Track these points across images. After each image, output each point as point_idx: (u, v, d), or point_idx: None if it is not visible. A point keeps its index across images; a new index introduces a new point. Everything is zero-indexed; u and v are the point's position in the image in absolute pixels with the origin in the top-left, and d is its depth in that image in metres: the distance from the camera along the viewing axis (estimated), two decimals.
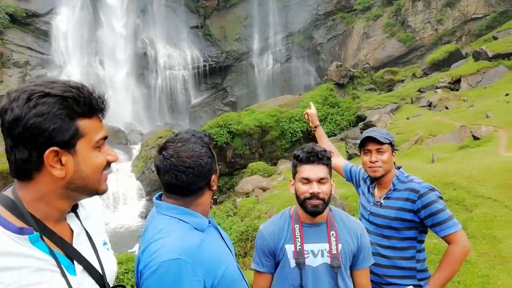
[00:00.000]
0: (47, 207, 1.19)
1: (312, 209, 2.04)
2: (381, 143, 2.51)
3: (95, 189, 1.24)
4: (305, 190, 2.05)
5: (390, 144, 2.55)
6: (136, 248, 14.27)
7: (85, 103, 1.16)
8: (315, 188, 2.03)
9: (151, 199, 21.40)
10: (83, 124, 1.16)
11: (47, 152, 1.11)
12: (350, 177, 3.02)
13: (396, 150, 12.10)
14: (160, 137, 23.45)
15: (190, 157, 1.55)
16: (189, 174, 1.54)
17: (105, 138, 1.23)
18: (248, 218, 8.98)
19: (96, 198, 1.46)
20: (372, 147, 2.54)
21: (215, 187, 1.67)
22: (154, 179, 21.46)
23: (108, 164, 1.24)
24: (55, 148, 1.12)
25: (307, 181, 2.06)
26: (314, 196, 2.02)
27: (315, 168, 2.05)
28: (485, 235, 5.39)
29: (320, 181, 2.04)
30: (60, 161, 1.14)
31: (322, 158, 2.06)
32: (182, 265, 1.41)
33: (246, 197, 11.94)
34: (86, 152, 1.17)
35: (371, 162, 2.55)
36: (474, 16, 30.92)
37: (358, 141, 2.71)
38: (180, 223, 1.55)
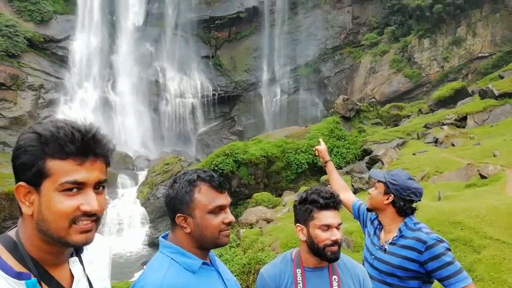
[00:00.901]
0: (37, 249, 1.15)
1: (332, 256, 2.00)
2: (378, 180, 2.60)
3: (61, 238, 1.11)
4: (327, 237, 2.00)
5: (386, 184, 2.52)
6: (137, 276, 14.02)
7: (57, 143, 1.09)
8: (337, 235, 2.00)
9: (155, 226, 21.25)
10: (52, 164, 1.09)
11: (15, 186, 1.11)
12: (357, 215, 2.98)
13: None
14: (167, 164, 23.51)
15: (170, 187, 1.71)
16: (165, 203, 1.72)
17: (78, 183, 1.11)
18: (251, 250, 8.83)
19: (102, 239, 1.45)
20: (373, 180, 2.71)
21: (187, 229, 1.64)
22: (159, 205, 21.36)
23: (85, 213, 1.11)
24: (22, 183, 1.11)
25: (328, 228, 2.01)
26: (336, 243, 2.00)
27: (334, 214, 2.04)
28: (494, 278, 5.23)
29: (338, 227, 2.03)
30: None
31: (339, 203, 2.07)
32: None
33: (250, 228, 11.79)
34: (49, 194, 1.09)
35: (369, 193, 2.72)
36: (480, 54, 31.33)
37: (364, 175, 2.76)
38: (171, 262, 1.61)
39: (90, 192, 1.13)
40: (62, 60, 33.86)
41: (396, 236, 2.48)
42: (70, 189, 1.11)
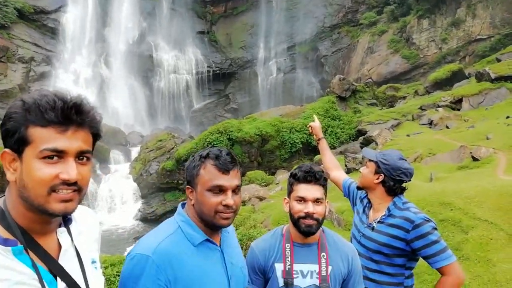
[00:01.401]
0: (23, 218, 1.16)
1: (306, 229, 2.03)
2: (370, 160, 2.63)
3: (41, 206, 1.12)
4: (300, 209, 2.04)
5: (377, 164, 2.55)
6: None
7: (38, 110, 1.10)
8: (310, 208, 2.02)
9: (147, 202, 21.38)
10: (33, 131, 1.10)
11: (1, 152, 1.13)
12: (348, 194, 3.02)
13: None
14: (160, 140, 23.46)
15: (190, 159, 1.78)
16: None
17: (58, 151, 1.11)
18: (243, 227, 8.94)
19: (91, 213, 1.46)
20: (365, 159, 2.75)
21: (192, 201, 1.69)
22: (152, 182, 21.43)
23: (64, 182, 1.12)
24: (7, 150, 1.13)
25: (303, 200, 2.05)
26: (308, 215, 2.01)
27: (311, 188, 2.05)
28: (480, 257, 5.37)
29: (316, 201, 2.04)
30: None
31: (320, 178, 2.06)
32: (149, 262, 1.53)
33: (243, 205, 11.90)
34: (29, 161, 1.10)
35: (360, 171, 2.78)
36: (478, 37, 31.17)
37: (358, 156, 2.80)
38: (177, 229, 1.66)
39: (70, 161, 1.13)
40: (53, 32, 33.19)
41: (384, 215, 2.52)
42: (51, 157, 1.11)
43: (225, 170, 1.65)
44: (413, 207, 2.49)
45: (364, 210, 2.70)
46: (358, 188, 2.77)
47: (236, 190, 1.68)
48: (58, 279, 1.19)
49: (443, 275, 2.36)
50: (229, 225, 1.71)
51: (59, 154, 1.12)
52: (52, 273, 1.19)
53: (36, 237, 1.18)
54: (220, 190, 1.64)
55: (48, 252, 1.20)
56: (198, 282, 1.60)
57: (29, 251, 1.14)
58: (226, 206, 1.63)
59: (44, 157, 1.10)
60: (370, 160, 2.60)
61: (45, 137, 1.10)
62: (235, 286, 1.74)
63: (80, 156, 1.16)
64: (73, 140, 1.13)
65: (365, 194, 2.74)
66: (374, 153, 2.63)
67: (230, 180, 1.66)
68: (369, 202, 2.68)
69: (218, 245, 1.74)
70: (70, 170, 1.12)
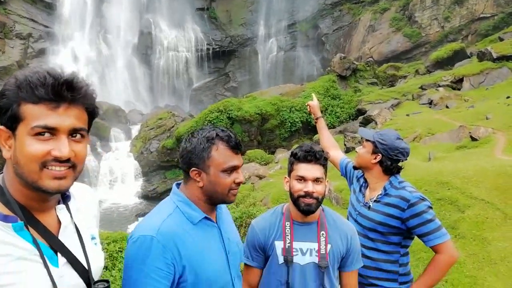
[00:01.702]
0: (21, 195, 1.17)
1: (305, 207, 2.06)
2: (367, 140, 2.64)
3: (34, 183, 1.12)
4: (300, 188, 2.07)
5: (374, 144, 2.57)
6: (131, 228, 14.38)
7: (29, 87, 1.09)
8: (309, 187, 2.04)
9: (148, 180, 21.52)
10: (25, 108, 1.10)
11: None
12: (345, 173, 3.05)
13: None
14: (160, 119, 23.43)
15: (187, 140, 1.75)
16: (181, 155, 1.77)
17: (49, 127, 1.10)
18: (243, 205, 9.05)
19: (89, 190, 1.48)
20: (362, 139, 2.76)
21: (200, 183, 1.71)
22: (152, 160, 21.52)
23: (56, 159, 1.11)
24: (2, 127, 1.13)
25: (303, 179, 2.07)
26: (308, 194, 2.04)
27: (311, 168, 2.07)
28: (476, 236, 5.47)
29: (316, 180, 2.06)
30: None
31: (320, 158, 2.08)
32: (154, 242, 1.56)
33: (243, 184, 12.00)
34: (22, 137, 1.10)
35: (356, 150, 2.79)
36: (481, 15, 30.66)
37: (357, 135, 2.80)
38: (176, 209, 1.70)
39: (63, 138, 1.13)
40: (50, 8, 32.58)
41: (380, 194, 2.55)
42: (42, 134, 1.11)
43: (237, 151, 1.72)
44: (409, 186, 2.52)
45: (360, 189, 2.73)
46: (355, 168, 2.79)
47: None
48: (59, 254, 1.21)
49: (436, 253, 2.41)
50: (234, 200, 1.79)
51: (51, 131, 1.12)
52: (52, 249, 1.20)
53: (36, 214, 1.19)
54: (233, 169, 1.71)
55: (48, 228, 1.21)
56: (200, 257, 1.65)
57: (29, 227, 1.15)
58: (239, 183, 1.72)
59: (36, 134, 1.10)
60: (367, 140, 2.61)
61: (36, 114, 1.10)
62: (233, 260, 1.81)
63: (74, 133, 1.16)
64: (65, 117, 1.13)
65: (362, 174, 2.76)
66: (371, 132, 2.63)
67: (241, 159, 1.75)
68: (366, 181, 2.71)
69: (215, 222, 1.80)
70: (62, 147, 1.12)
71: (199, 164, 1.71)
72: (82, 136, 1.18)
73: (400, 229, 2.46)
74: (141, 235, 1.59)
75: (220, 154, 1.69)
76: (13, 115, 1.10)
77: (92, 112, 1.21)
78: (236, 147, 1.71)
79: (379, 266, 2.52)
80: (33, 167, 1.11)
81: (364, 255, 2.49)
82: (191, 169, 1.72)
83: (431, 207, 2.43)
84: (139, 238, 1.59)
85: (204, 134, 1.72)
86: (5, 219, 1.12)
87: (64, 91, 1.12)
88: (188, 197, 1.73)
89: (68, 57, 31.77)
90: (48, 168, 1.12)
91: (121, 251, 6.79)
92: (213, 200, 1.74)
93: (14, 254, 1.10)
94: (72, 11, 33.06)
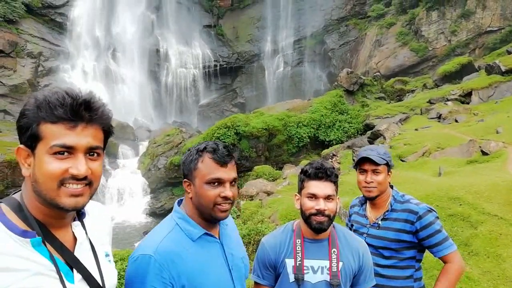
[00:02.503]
0: (38, 211, 1.20)
1: (317, 225, 2.04)
2: (378, 164, 2.49)
3: (52, 200, 1.15)
4: (311, 206, 2.05)
5: (387, 164, 2.53)
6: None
7: (48, 107, 1.13)
8: (321, 204, 2.03)
9: (156, 197, 21.54)
10: (44, 127, 1.14)
11: (16, 147, 1.18)
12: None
13: (403, 161, 12.07)
14: (168, 135, 23.57)
15: (185, 153, 1.81)
16: (180, 166, 1.82)
17: (67, 146, 1.14)
18: (251, 221, 8.98)
19: (103, 208, 1.50)
20: (368, 167, 2.52)
21: (190, 194, 1.73)
22: (160, 176, 21.57)
23: (74, 177, 1.15)
24: (22, 146, 1.17)
25: (314, 197, 2.05)
26: (320, 212, 2.02)
27: (322, 185, 2.05)
28: (489, 253, 5.35)
29: (327, 198, 2.04)
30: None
31: (331, 175, 2.06)
32: (152, 262, 1.57)
33: (250, 200, 11.94)
34: (41, 156, 1.14)
35: (366, 182, 2.52)
36: (488, 29, 30.69)
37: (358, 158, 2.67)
38: (175, 227, 1.71)
39: (80, 157, 1.17)
40: (61, 27, 33.35)
41: (387, 210, 2.53)
42: (61, 153, 1.15)
43: (223, 163, 1.69)
44: (412, 198, 2.53)
45: (358, 213, 2.71)
46: (371, 198, 2.60)
47: (233, 182, 1.73)
48: (74, 271, 1.23)
49: (446, 263, 2.41)
50: (226, 217, 1.74)
51: (69, 150, 1.15)
52: (68, 265, 1.22)
53: (52, 230, 1.22)
54: (218, 182, 1.69)
55: (64, 244, 1.24)
56: (200, 275, 1.64)
57: (46, 243, 1.18)
58: (225, 197, 1.67)
59: (55, 153, 1.14)
60: (377, 164, 2.50)
61: (55, 133, 1.14)
62: (237, 276, 1.79)
63: (91, 152, 1.19)
64: (82, 137, 1.17)
65: (352, 208, 2.79)
66: (377, 156, 2.52)
67: (228, 172, 1.70)
68: (365, 201, 2.67)
69: (218, 237, 1.79)
70: (79, 165, 1.16)
71: (188, 175, 1.74)
72: (98, 154, 1.22)
73: (412, 243, 2.45)
74: (141, 254, 1.61)
75: (205, 165, 1.69)
76: (32, 134, 1.14)
77: (107, 131, 1.25)
78: (222, 160, 1.69)
79: (394, 284, 2.49)
80: (51, 185, 1.14)
81: (379, 274, 2.46)
82: (184, 180, 1.76)
83: (438, 217, 2.44)
84: (138, 257, 1.61)
85: (197, 147, 1.75)
86: (24, 234, 1.15)
87: (82, 111, 1.16)
88: (187, 213, 1.74)
89: (78, 75, 32.36)
90: (65, 186, 1.16)
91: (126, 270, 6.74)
92: (203, 214, 1.72)
93: (32, 269, 1.12)
94: (81, 30, 33.80)
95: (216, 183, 1.68)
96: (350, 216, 2.86)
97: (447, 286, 2.35)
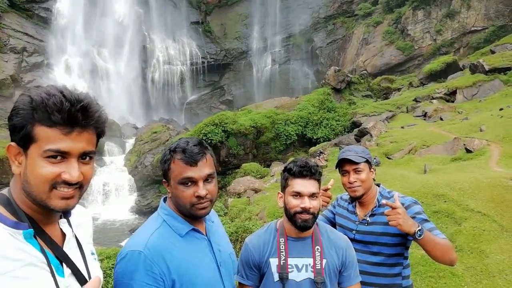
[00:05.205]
0: (27, 207, 1.20)
1: (302, 224, 2.03)
2: (357, 163, 2.51)
3: (43, 201, 1.16)
4: (296, 204, 2.04)
5: (367, 161, 2.55)
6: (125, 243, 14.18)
7: (45, 110, 1.12)
8: (306, 203, 2.02)
9: (142, 194, 21.35)
10: (39, 130, 1.13)
11: (7, 145, 1.17)
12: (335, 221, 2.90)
13: (389, 158, 12.20)
14: (155, 132, 23.38)
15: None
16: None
17: (61, 152, 1.14)
18: (239, 219, 8.99)
19: (85, 211, 1.51)
20: (349, 167, 2.53)
21: (169, 194, 1.74)
22: (147, 174, 21.40)
23: (65, 181, 1.16)
24: (13, 144, 1.17)
25: (299, 195, 2.05)
26: (305, 210, 2.02)
27: (307, 183, 2.05)
28: (473, 249, 5.45)
29: (312, 196, 2.04)
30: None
31: (315, 173, 2.06)
32: (142, 258, 1.57)
33: (238, 197, 11.95)
34: (34, 158, 1.14)
35: (349, 182, 2.54)
36: (473, 28, 31.19)
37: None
38: (163, 223, 1.71)
39: (73, 162, 1.17)
40: (45, 22, 32.73)
41: (375, 206, 2.57)
42: (54, 157, 1.15)
43: (192, 163, 1.67)
44: (398, 193, 2.56)
45: (348, 210, 2.72)
46: (358, 197, 2.59)
47: (208, 178, 1.71)
48: (64, 265, 1.24)
49: None
50: (207, 214, 1.74)
51: (63, 155, 1.16)
52: (58, 259, 1.23)
53: (41, 225, 1.23)
54: (191, 181, 1.67)
55: (54, 239, 1.25)
56: (190, 270, 1.64)
57: (37, 237, 1.19)
58: (199, 197, 1.66)
59: (48, 157, 1.14)
60: (357, 163, 2.51)
61: (50, 138, 1.14)
62: (225, 272, 1.80)
63: (84, 156, 1.20)
64: (76, 142, 1.17)
65: (340, 201, 2.81)
66: (356, 155, 2.54)
67: (200, 170, 1.68)
68: (352, 201, 2.69)
69: (204, 234, 1.79)
70: (72, 171, 1.17)
71: (165, 175, 1.75)
72: (91, 158, 1.23)
73: (400, 236, 2.46)
74: (130, 250, 1.60)
75: (176, 165, 1.69)
76: (26, 135, 1.14)
77: (100, 133, 1.26)
78: (191, 160, 1.66)
79: (383, 282, 2.51)
80: (43, 187, 1.15)
81: (367, 272, 2.48)
82: (163, 180, 1.77)
83: (423, 211, 2.47)
84: (127, 254, 1.59)
85: (170, 146, 1.75)
86: (16, 226, 1.16)
87: (79, 117, 1.16)
88: (172, 209, 1.75)
89: (62, 71, 31.80)
90: (57, 189, 1.16)
91: (114, 268, 6.66)
92: (183, 213, 1.72)
93: (25, 259, 1.12)
94: (66, 25, 33.22)
95: (189, 183, 1.67)
96: (334, 207, 2.85)
97: (442, 244, 2.27)
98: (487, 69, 20.39)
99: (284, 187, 2.13)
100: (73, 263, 1.26)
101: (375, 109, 21.55)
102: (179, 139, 1.78)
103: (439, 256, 2.28)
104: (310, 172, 2.05)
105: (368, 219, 2.57)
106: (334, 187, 2.90)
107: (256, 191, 12.21)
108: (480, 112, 16.28)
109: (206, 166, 1.70)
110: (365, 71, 30.85)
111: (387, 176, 8.56)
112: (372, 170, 2.58)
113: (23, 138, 1.14)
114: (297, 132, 21.47)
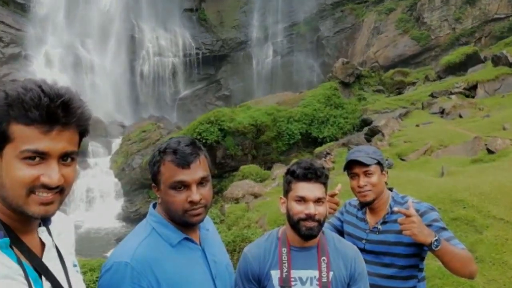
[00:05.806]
0: (4, 214, 1.19)
1: (307, 232, 2.02)
2: (368, 165, 2.48)
3: (19, 207, 1.15)
4: (300, 210, 2.03)
5: (379, 163, 2.52)
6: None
7: (21, 107, 1.10)
8: (311, 208, 2.01)
9: (130, 200, 21.37)
10: (15, 128, 1.12)
11: None
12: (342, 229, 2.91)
13: (403, 160, 12.21)
14: (144, 131, 23.41)
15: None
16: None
17: (40, 152, 1.12)
18: (237, 227, 8.99)
19: (67, 218, 1.51)
20: (358, 170, 2.51)
21: (159, 199, 1.74)
22: (135, 177, 21.41)
23: (44, 185, 1.14)
24: None
25: (303, 200, 2.04)
26: (309, 217, 2.01)
27: (312, 187, 2.04)
28: (495, 260, 5.45)
29: (317, 201, 2.03)
30: None
31: (321, 176, 2.05)
32: (128, 269, 1.57)
33: (236, 203, 11.95)
34: (10, 160, 1.13)
35: (359, 186, 2.52)
36: (495, 16, 31.17)
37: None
38: (152, 231, 1.70)
39: (53, 163, 1.15)
40: (23, 10, 32.72)
41: (387, 213, 2.56)
42: (32, 158, 1.13)
43: (184, 165, 1.66)
44: (413, 199, 2.54)
45: (357, 217, 2.71)
46: (368, 203, 2.59)
47: (202, 182, 1.70)
48: (43, 278, 1.22)
49: None
50: (201, 221, 1.73)
51: (41, 156, 1.14)
52: (36, 271, 1.21)
53: (18, 234, 1.22)
54: (183, 185, 1.66)
55: (32, 250, 1.24)
56: (182, 283, 1.64)
57: (13, 247, 1.17)
58: (192, 202, 1.65)
59: (25, 158, 1.13)
60: (367, 165, 2.51)
61: (27, 137, 1.12)
62: (221, 285, 1.79)
63: (65, 157, 1.18)
64: (57, 142, 1.15)
65: (348, 207, 2.79)
66: (365, 156, 2.52)
67: (192, 173, 1.67)
68: (362, 206, 2.68)
69: (198, 243, 1.78)
70: (52, 173, 1.15)
71: (154, 179, 1.74)
72: (72, 159, 1.22)
73: (415, 246, 2.43)
74: (115, 261, 1.59)
75: (167, 168, 1.68)
76: (1, 133, 1.12)
77: (83, 132, 1.24)
78: (183, 162, 1.65)
79: None
80: (20, 192, 1.13)
81: (379, 286, 2.47)
82: (152, 184, 1.76)
83: (441, 218, 2.46)
84: (113, 266, 1.59)
85: (159, 146, 1.74)
86: None
87: (60, 114, 1.14)
88: (163, 216, 1.74)
89: (42, 63, 31.79)
90: (35, 194, 1.14)
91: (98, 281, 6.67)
92: (174, 220, 1.71)
93: (0, 271, 1.10)
94: (47, 13, 33.19)
95: (181, 187, 1.66)
96: (342, 214, 2.85)
97: (460, 255, 2.26)
98: (511, 61, 20.38)
99: (286, 192, 2.12)
100: (53, 275, 1.24)
101: (387, 106, 21.56)
102: (170, 138, 1.77)
103: (458, 268, 2.28)
104: (316, 174, 2.04)
105: (379, 227, 2.56)
106: (342, 192, 2.89)
107: (255, 196, 12.21)
108: (504, 108, 16.27)
109: (199, 169, 1.69)
110: (376, 64, 30.86)
111: (400, 180, 8.56)
112: (384, 172, 2.57)
113: None
114: (301, 130, 21.46)
